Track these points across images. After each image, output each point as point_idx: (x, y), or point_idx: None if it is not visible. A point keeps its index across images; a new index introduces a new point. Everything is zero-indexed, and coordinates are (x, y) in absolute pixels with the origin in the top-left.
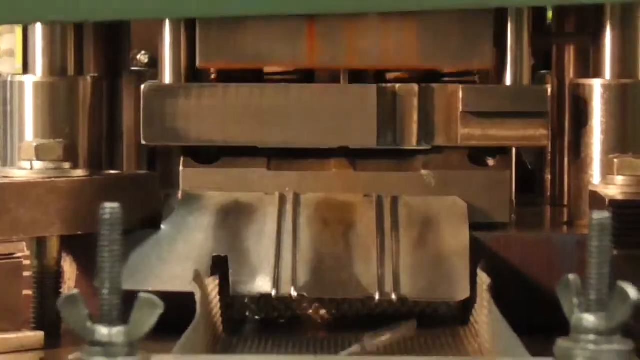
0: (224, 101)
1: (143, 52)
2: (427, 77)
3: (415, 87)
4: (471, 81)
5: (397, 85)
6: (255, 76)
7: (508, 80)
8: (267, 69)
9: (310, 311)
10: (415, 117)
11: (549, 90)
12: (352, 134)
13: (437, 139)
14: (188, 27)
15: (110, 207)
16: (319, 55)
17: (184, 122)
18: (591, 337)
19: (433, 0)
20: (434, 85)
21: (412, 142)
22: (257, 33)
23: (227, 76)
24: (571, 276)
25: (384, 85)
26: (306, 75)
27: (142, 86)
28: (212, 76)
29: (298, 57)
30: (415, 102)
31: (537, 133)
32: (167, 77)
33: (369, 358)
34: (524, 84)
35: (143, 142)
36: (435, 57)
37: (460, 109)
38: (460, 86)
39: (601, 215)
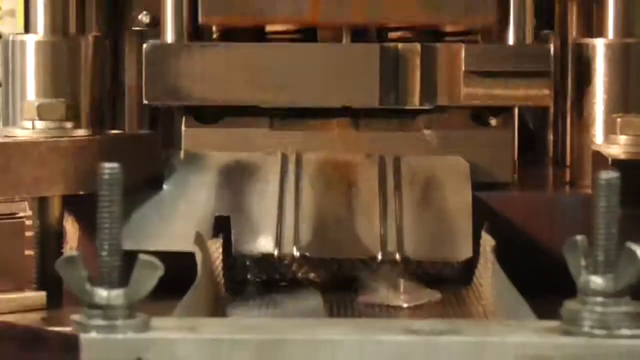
0: (226, 60)
1: (145, 12)
2: (429, 37)
3: (417, 46)
4: (474, 40)
5: (400, 45)
6: (257, 36)
7: (510, 40)
8: (269, 28)
9: (312, 274)
10: (417, 76)
11: (552, 49)
12: (355, 93)
13: (440, 98)
14: None
15: (109, 168)
16: (321, 11)
17: (187, 82)
18: (599, 299)
19: None
20: (437, 44)
21: (414, 101)
22: None
23: (229, 36)
24: (579, 237)
25: (386, 44)
26: (308, 35)
27: (144, 45)
28: (215, 36)
29: (301, 12)
30: (418, 61)
31: (540, 92)
32: (169, 36)
33: (369, 320)
34: (526, 43)
35: (145, 101)
36: (438, 12)
37: (463, 68)
38: (463, 45)
39: (609, 175)
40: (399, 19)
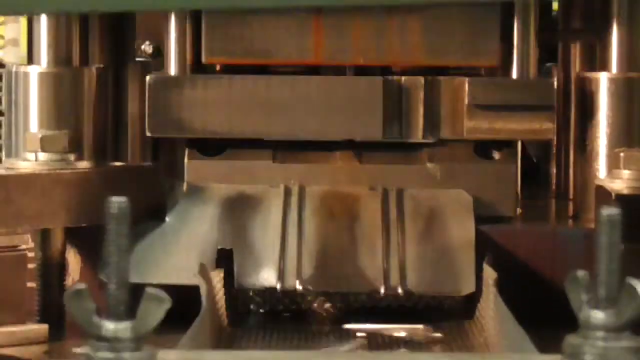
0: (229, 93)
1: (148, 42)
2: (433, 70)
3: (421, 79)
4: (477, 74)
5: (403, 78)
6: (261, 68)
7: (514, 74)
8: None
9: (315, 305)
10: (421, 109)
11: (555, 83)
12: (358, 126)
13: (443, 131)
14: (193, 19)
15: (117, 202)
16: (324, 53)
17: (190, 114)
18: (600, 333)
19: None
20: (440, 77)
21: (418, 135)
22: (264, 28)
23: (232, 67)
24: (580, 272)
25: (389, 77)
26: (312, 68)
27: (148, 77)
28: (218, 67)
29: (304, 54)
30: (422, 94)
31: (543, 126)
32: (173, 69)
33: (371, 354)
34: (530, 77)
35: (148, 133)
36: (441, 55)
37: (467, 101)
38: (467, 79)
39: (610, 211)
40: (403, 61)
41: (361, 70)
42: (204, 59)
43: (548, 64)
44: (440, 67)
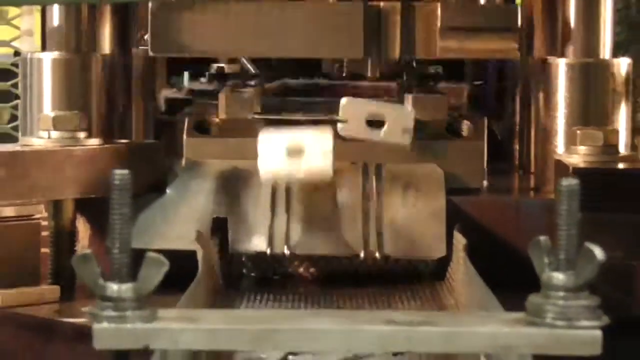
0: (224, 16)
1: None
2: None
3: (398, 4)
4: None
5: (382, 3)
6: None
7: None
8: None
9: (302, 269)
10: (398, 32)
11: (519, 11)
12: (341, 46)
13: (418, 51)
14: None
15: (120, 174)
16: None
17: (189, 36)
18: (560, 293)
19: None
20: (415, 2)
21: (395, 54)
22: None
23: None
24: (542, 237)
25: (369, 2)
26: None
27: (150, 4)
28: None
29: None
30: (398, 18)
31: (508, 46)
32: None
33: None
34: (496, 2)
35: (151, 53)
36: None
37: (439, 24)
38: (439, 4)
39: (570, 182)
40: None
41: None
42: None
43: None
44: None
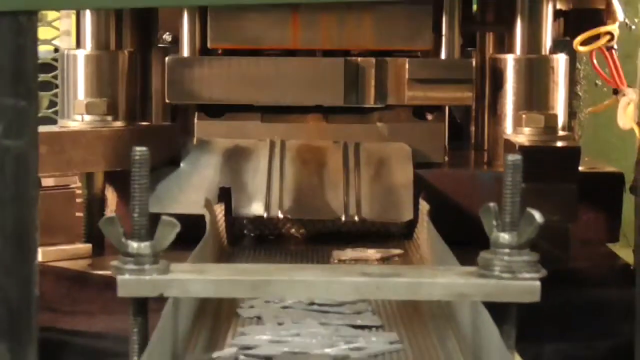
0: (228, 70)
1: (167, 32)
2: (382, 52)
3: (373, 60)
4: (415, 55)
5: (359, 59)
6: (252, 51)
7: (443, 55)
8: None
9: (293, 230)
10: (373, 82)
11: (474, 62)
12: (325, 95)
13: (390, 99)
14: (201, 15)
15: (139, 150)
16: (300, 39)
17: (198, 86)
18: (506, 250)
19: None
20: (387, 58)
21: (370, 101)
22: (255, 21)
23: (230, 51)
24: (491, 204)
25: (348, 58)
26: (290, 51)
27: (167, 59)
28: (220, 51)
29: (285, 40)
30: (373, 71)
31: (464, 95)
32: (186, 52)
33: (334, 266)
34: (455, 58)
35: (167, 100)
36: (387, 41)
37: (407, 76)
38: (407, 59)
39: (515, 157)
40: (358, 46)
41: (327, 53)
42: (209, 45)
43: (468, 49)
44: (387, 51)
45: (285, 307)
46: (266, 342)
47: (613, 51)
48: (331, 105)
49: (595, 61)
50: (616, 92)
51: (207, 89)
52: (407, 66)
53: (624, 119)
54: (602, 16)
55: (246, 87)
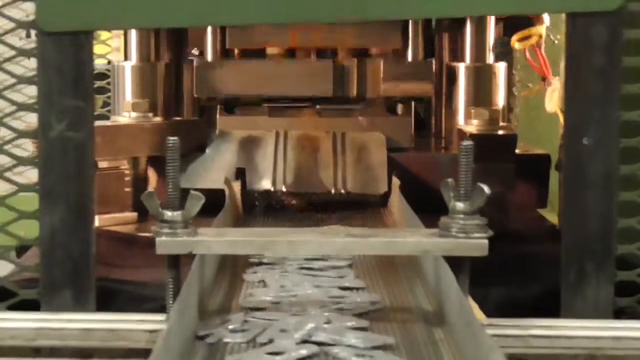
0: (241, 70)
1: (195, 48)
2: (362, 55)
3: (355, 61)
4: (389, 58)
5: (345, 61)
6: (261, 54)
7: (410, 58)
8: (269, 50)
9: (294, 201)
10: (355, 79)
11: (433, 65)
12: (319, 88)
13: (368, 92)
14: (221, 28)
15: (172, 140)
16: (298, 40)
17: (219, 83)
18: (461, 216)
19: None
20: (366, 59)
21: (353, 93)
22: (263, 29)
23: (245, 51)
24: (449, 179)
25: (336, 59)
26: (292, 53)
27: (194, 62)
28: (236, 52)
29: (285, 41)
30: (355, 70)
31: (426, 88)
32: (210, 57)
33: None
34: (419, 61)
35: (195, 95)
36: (364, 40)
37: (382, 74)
38: (382, 61)
39: (467, 143)
40: (343, 44)
41: (320, 55)
42: (227, 46)
43: (429, 59)
44: (365, 49)
45: (284, 273)
46: (269, 303)
47: (541, 47)
48: (323, 97)
49: (528, 54)
50: (544, 79)
51: (225, 85)
52: (382, 66)
53: (550, 104)
54: (533, 20)
55: (255, 83)
